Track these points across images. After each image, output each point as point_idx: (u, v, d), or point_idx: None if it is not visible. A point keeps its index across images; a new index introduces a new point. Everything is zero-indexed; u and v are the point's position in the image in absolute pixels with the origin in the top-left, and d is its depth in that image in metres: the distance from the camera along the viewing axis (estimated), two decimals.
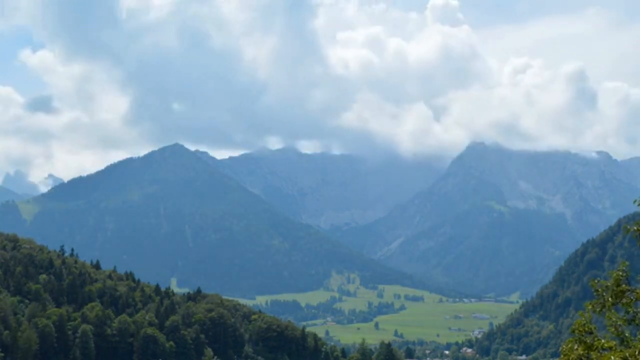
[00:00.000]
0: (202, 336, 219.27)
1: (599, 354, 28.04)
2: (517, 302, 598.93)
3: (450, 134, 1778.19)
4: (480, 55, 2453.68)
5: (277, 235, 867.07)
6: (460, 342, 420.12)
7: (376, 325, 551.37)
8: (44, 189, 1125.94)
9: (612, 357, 27.15)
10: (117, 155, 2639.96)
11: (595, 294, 29.77)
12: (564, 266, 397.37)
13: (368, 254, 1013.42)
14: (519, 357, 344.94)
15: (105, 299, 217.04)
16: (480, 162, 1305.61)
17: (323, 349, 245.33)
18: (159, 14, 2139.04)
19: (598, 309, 29.38)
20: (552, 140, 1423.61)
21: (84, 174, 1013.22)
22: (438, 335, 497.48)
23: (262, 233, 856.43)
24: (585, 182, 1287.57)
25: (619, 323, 29.09)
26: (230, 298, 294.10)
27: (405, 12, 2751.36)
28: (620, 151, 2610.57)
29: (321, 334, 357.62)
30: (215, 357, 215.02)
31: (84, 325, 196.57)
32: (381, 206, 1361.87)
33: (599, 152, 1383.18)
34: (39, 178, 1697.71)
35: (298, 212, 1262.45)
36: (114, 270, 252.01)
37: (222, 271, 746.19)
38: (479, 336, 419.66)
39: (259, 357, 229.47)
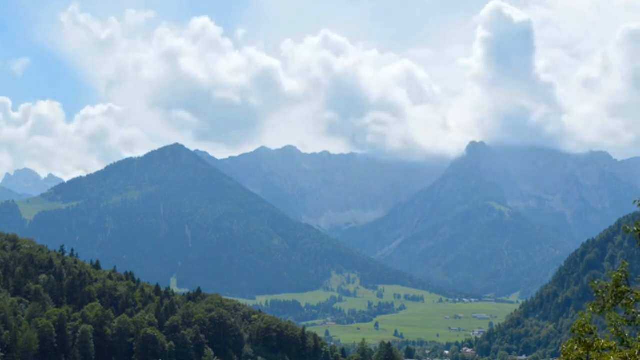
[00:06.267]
0: (202, 336, 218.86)
1: (599, 354, 28.04)
2: (517, 302, 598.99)
3: (451, 134, 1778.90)
4: None
5: (277, 235, 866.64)
6: (460, 342, 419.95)
7: (376, 325, 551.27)
8: (44, 189, 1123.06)
9: (612, 358, 27.15)
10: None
11: (595, 295, 29.75)
12: (564, 266, 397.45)
13: (368, 254, 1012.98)
14: (519, 357, 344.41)
15: (105, 299, 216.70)
16: (480, 162, 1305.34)
17: (323, 349, 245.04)
18: None
19: (598, 310, 29.38)
20: (554, 141, 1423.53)
21: (84, 174, 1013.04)
22: (438, 335, 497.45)
23: (262, 233, 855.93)
24: (585, 182, 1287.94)
25: (619, 323, 29.08)
26: (230, 298, 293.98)
27: None
28: (620, 151, 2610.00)
29: (321, 334, 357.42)
30: (215, 357, 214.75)
31: (84, 325, 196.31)
32: (381, 206, 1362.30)
33: (599, 152, 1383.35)
34: (39, 178, 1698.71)
35: (298, 212, 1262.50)
36: (114, 270, 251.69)
37: (222, 271, 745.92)
38: (479, 336, 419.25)
39: (259, 357, 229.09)
